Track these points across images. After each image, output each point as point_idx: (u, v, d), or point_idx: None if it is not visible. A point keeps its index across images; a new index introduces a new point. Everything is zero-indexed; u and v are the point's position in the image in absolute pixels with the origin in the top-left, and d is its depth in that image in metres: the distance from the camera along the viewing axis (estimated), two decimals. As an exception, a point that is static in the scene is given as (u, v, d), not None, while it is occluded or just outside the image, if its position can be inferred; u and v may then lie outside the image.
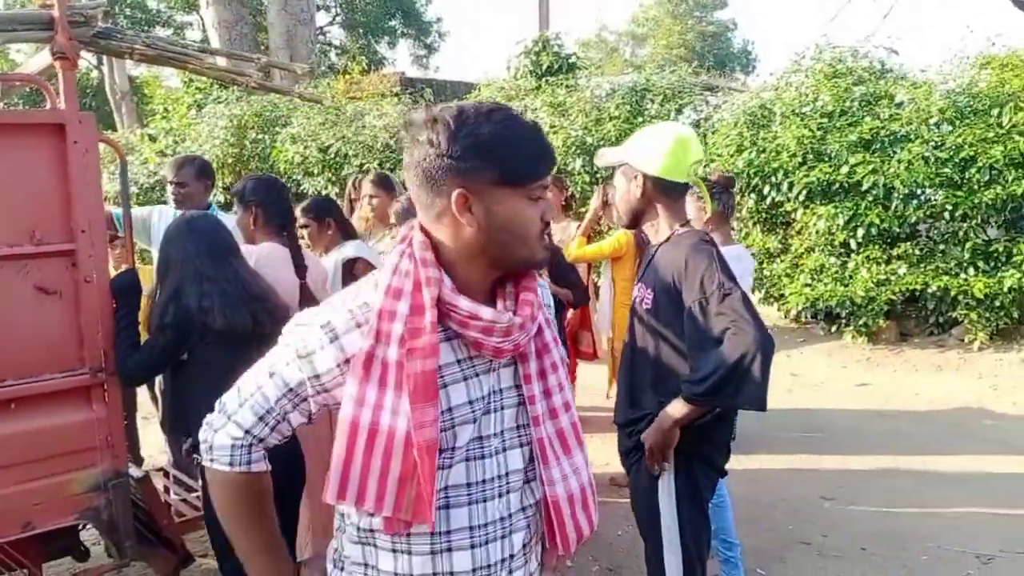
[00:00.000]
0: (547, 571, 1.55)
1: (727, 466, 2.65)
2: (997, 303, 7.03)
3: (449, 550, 1.35)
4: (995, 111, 6.95)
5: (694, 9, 40.19)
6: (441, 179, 1.28)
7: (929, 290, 7.22)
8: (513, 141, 1.29)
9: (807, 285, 7.66)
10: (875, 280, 7.27)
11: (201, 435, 1.42)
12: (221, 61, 4.37)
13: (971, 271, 7.10)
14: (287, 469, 2.76)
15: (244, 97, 11.71)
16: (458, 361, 1.35)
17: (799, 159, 7.58)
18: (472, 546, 1.36)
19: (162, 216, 4.14)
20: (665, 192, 2.45)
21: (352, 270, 3.99)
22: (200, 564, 3.70)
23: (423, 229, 1.34)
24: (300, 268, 3.23)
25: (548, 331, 1.45)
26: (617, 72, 12.23)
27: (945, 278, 7.14)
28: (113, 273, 2.95)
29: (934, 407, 6.44)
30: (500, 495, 1.39)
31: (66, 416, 2.71)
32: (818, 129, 7.58)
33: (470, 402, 1.35)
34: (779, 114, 7.86)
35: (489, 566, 1.38)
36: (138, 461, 4.23)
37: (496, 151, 1.27)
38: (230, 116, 11.25)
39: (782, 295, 7.90)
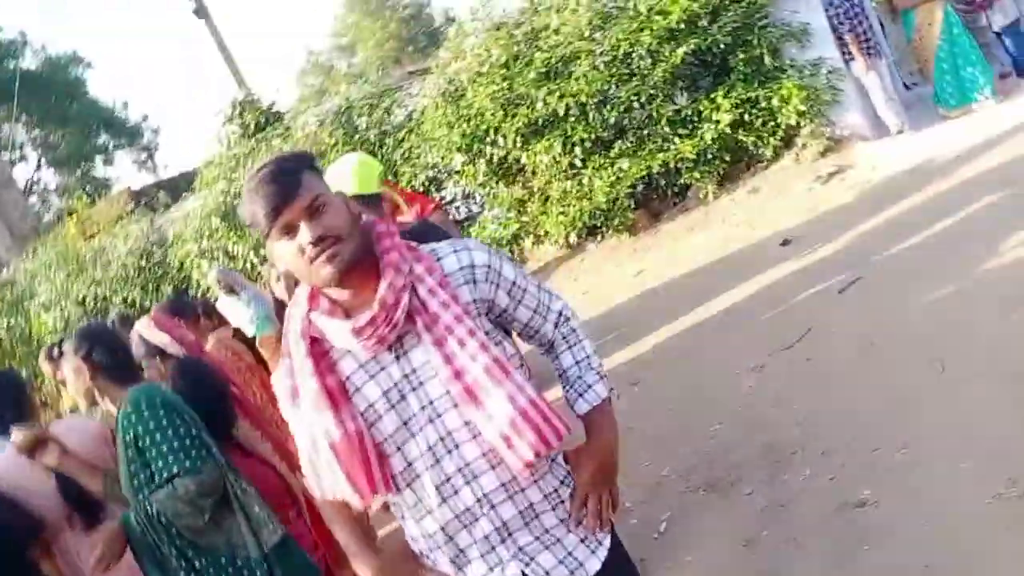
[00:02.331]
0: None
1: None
2: (709, 156, 7.92)
3: (430, 512, 1.61)
4: (631, 4, 7.73)
5: (385, 0, 40.53)
6: None
7: (653, 171, 8.02)
8: (247, 201, 1.54)
9: (561, 213, 8.30)
10: (608, 183, 7.99)
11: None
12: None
13: (676, 140, 7.91)
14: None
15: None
16: (361, 365, 1.59)
17: (501, 112, 8.15)
18: (443, 500, 1.59)
19: None
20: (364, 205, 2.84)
21: None
22: None
23: None
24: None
25: (434, 299, 1.55)
26: (337, 88, 12.42)
27: (660, 155, 7.92)
28: None
29: (698, 264, 7.21)
30: (449, 452, 1.58)
31: None
32: (503, 80, 8.15)
33: (384, 393, 1.58)
34: (467, 81, 8.37)
35: (467, 509, 1.59)
36: None
37: (243, 213, 1.56)
38: (-33, 309, 10.60)
39: (547, 232, 8.52)
